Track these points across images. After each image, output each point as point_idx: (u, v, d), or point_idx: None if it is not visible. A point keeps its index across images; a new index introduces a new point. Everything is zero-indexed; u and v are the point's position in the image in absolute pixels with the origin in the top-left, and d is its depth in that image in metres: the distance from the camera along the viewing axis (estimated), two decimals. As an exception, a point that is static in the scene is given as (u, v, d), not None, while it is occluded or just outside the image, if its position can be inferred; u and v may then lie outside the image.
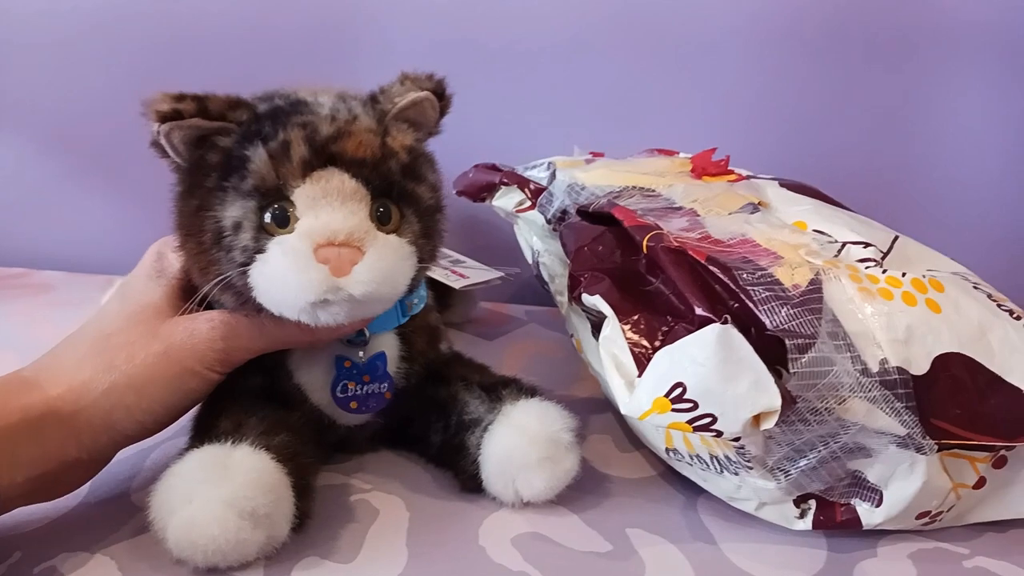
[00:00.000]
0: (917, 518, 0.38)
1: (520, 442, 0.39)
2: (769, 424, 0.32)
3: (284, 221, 0.35)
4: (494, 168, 0.58)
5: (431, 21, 0.71)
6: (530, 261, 0.58)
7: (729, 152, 0.55)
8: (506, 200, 0.56)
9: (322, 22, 0.72)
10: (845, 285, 0.36)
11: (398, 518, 0.40)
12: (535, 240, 0.56)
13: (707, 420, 0.33)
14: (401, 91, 0.39)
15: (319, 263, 0.34)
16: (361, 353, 0.41)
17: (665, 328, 0.38)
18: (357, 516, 0.40)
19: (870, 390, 0.34)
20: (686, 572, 0.37)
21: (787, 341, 0.34)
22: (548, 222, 0.52)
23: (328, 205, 0.35)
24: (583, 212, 0.48)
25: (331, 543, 0.38)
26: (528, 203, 0.55)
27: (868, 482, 0.37)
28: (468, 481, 0.41)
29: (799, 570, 0.37)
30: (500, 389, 0.42)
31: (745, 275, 0.36)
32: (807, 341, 0.34)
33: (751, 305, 0.35)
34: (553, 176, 0.54)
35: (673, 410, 0.34)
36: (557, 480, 0.40)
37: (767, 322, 0.35)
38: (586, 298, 0.41)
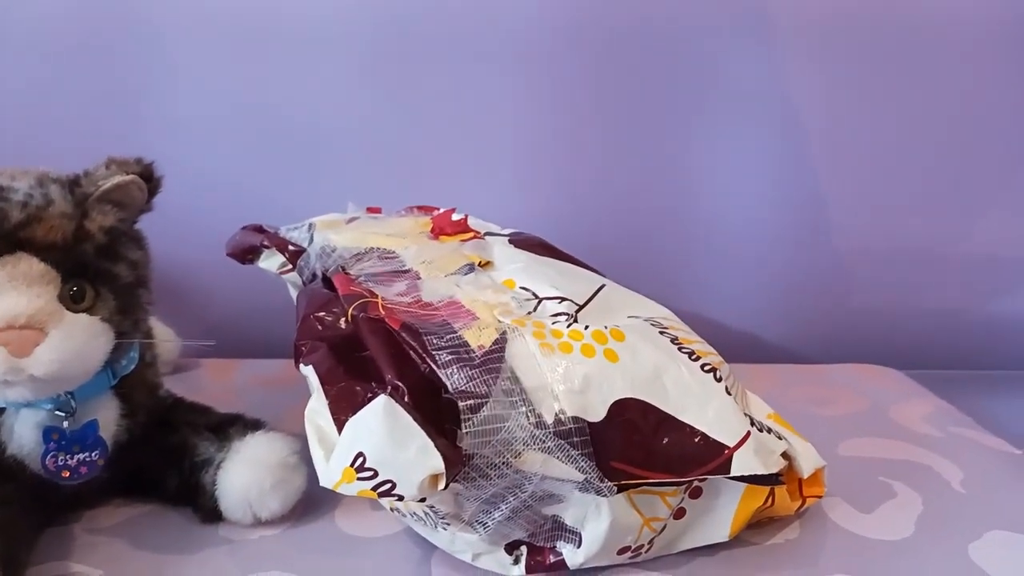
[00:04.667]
0: (619, 553, 0.40)
1: (253, 473, 0.44)
2: (441, 485, 0.34)
3: None
4: (259, 230, 0.58)
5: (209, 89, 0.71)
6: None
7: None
8: (270, 262, 0.57)
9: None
10: (528, 342, 0.39)
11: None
12: (301, 301, 0.57)
13: (388, 486, 0.34)
14: (106, 175, 0.42)
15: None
16: (66, 424, 0.42)
17: (370, 395, 0.39)
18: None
19: (544, 441, 0.36)
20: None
21: (460, 402, 0.36)
22: (304, 285, 0.53)
23: (14, 289, 0.38)
24: (324, 277, 0.49)
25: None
26: (289, 265, 0.55)
27: (567, 525, 0.40)
28: (208, 515, 0.45)
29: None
30: (227, 428, 0.47)
31: (435, 340, 0.38)
32: (480, 401, 0.36)
33: (436, 369, 0.37)
34: (312, 238, 0.55)
35: (358, 479, 0.35)
36: (290, 499, 0.45)
37: (448, 385, 0.36)
38: (302, 367, 0.42)
